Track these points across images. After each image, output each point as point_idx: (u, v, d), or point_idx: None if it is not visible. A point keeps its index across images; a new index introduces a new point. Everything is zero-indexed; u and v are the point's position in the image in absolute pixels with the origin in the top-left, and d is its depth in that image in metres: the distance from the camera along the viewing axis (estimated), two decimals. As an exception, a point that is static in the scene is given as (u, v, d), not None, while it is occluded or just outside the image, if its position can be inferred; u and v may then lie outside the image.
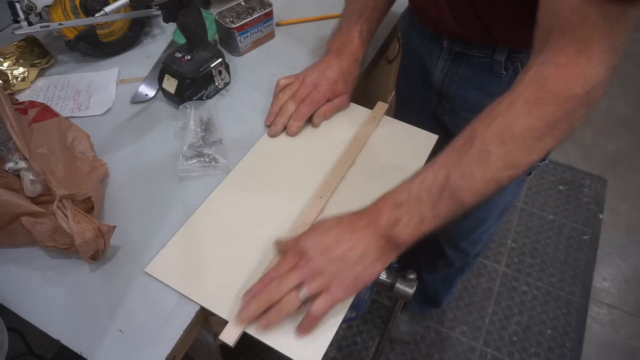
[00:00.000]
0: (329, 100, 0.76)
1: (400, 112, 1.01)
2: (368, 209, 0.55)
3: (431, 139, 0.76)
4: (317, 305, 0.52)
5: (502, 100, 0.50)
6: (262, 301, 0.53)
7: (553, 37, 0.48)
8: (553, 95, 0.47)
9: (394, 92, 1.16)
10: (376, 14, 0.80)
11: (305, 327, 0.53)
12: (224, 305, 0.57)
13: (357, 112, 0.80)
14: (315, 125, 0.77)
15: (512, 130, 0.48)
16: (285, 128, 0.76)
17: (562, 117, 0.48)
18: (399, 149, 0.74)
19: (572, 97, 0.47)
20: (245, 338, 0.55)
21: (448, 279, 1.27)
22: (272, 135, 0.76)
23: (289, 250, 0.56)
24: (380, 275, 0.56)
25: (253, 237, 0.64)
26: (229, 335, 0.53)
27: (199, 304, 0.57)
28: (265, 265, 0.60)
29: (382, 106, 0.80)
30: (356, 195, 0.68)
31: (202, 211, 0.67)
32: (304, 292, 0.52)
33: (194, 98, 0.81)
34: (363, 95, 0.94)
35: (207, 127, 0.77)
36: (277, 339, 0.54)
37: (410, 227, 0.52)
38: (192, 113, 0.76)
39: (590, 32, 0.45)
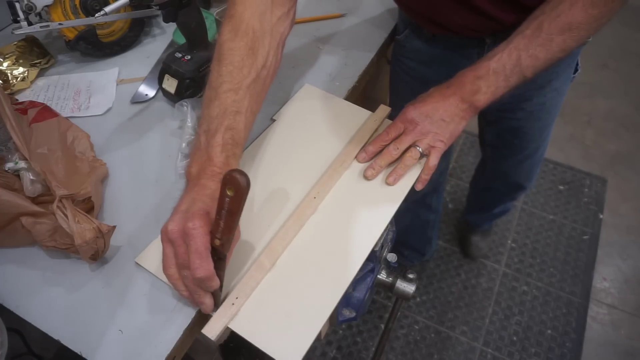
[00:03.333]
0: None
1: None
2: (453, 81, 0.68)
3: None
4: (433, 158, 0.68)
5: (564, 1, 0.63)
6: (385, 159, 0.68)
7: None
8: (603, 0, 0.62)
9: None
10: (242, 118, 0.61)
11: (424, 180, 0.69)
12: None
13: (360, 114, 0.79)
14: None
15: (570, 25, 0.63)
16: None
17: (605, 14, 0.63)
18: None
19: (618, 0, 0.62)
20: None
21: None
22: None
23: (396, 120, 0.70)
24: (461, 132, 0.70)
25: (244, 235, 0.63)
26: (211, 330, 0.53)
27: (177, 300, 0.58)
28: (249, 263, 0.60)
29: (384, 109, 0.79)
30: (351, 196, 0.68)
31: None
32: (420, 148, 0.68)
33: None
34: (363, 95, 0.94)
35: (205, 125, 0.76)
36: (259, 337, 0.54)
37: (487, 94, 0.66)
38: (189, 110, 0.76)
39: None
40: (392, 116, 0.80)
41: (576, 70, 0.96)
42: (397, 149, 0.68)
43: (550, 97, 0.95)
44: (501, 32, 0.78)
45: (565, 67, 0.91)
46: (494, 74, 0.65)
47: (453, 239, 1.73)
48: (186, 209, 0.53)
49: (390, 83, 1.09)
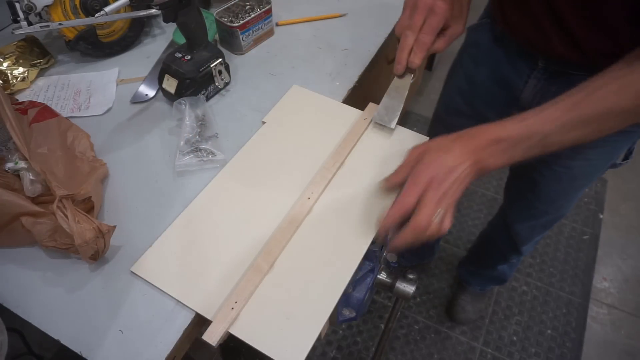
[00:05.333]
0: (444, 28, 0.69)
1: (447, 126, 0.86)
2: (473, 135, 0.59)
3: (422, 140, 0.75)
4: (447, 223, 0.58)
5: (607, 83, 0.56)
6: (415, 233, 0.57)
7: None
8: None
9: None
10: None
11: (432, 237, 0.58)
12: (208, 305, 0.57)
13: (349, 113, 0.80)
14: (415, 66, 0.69)
15: (610, 113, 0.56)
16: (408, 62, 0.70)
17: None
18: (389, 150, 0.74)
19: None
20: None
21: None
22: (397, 73, 0.71)
23: (418, 175, 0.59)
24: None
25: (238, 236, 0.64)
26: (212, 335, 0.53)
27: (177, 300, 0.58)
28: (247, 264, 0.61)
29: (373, 107, 0.79)
30: (345, 195, 0.68)
31: (185, 214, 0.67)
32: (439, 215, 0.57)
33: (194, 98, 0.80)
34: (362, 95, 0.94)
35: (202, 122, 0.77)
36: (261, 340, 0.54)
37: (501, 160, 0.59)
38: (187, 109, 0.76)
39: None
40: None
41: (627, 157, 0.88)
42: (426, 221, 0.58)
43: (579, 165, 0.87)
44: (554, 60, 0.75)
45: (607, 140, 0.79)
46: (515, 143, 0.58)
47: (453, 239, 1.73)
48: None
49: (447, 77, 1.04)
